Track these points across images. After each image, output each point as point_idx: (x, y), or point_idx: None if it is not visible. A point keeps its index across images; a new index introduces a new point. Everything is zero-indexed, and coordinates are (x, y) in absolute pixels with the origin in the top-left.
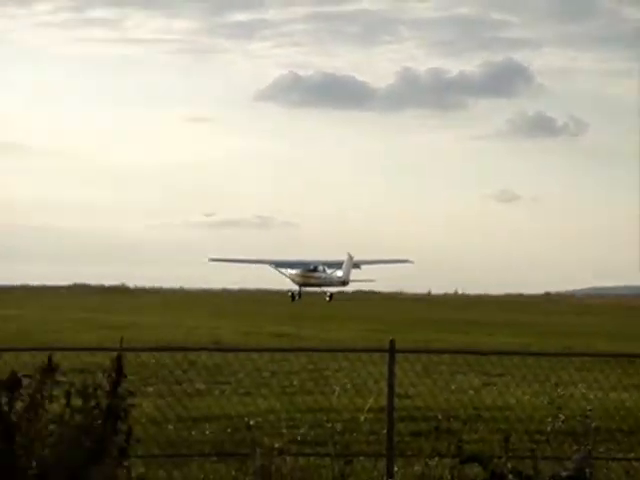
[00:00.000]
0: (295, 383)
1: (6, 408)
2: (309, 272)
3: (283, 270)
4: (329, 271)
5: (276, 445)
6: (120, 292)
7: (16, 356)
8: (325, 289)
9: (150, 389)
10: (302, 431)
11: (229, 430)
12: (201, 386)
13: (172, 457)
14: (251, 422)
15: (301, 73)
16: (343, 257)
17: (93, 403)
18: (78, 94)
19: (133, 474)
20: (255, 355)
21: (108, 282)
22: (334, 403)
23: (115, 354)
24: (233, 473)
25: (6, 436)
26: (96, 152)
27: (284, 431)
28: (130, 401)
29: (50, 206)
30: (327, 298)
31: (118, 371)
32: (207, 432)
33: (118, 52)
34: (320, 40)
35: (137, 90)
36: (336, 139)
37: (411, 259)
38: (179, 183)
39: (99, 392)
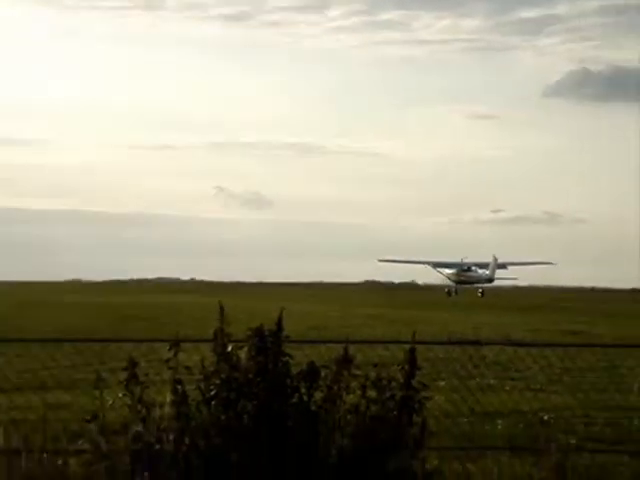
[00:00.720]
0: (589, 380)
1: (306, 398)
2: (463, 272)
3: (441, 270)
4: (480, 271)
5: (571, 442)
6: (409, 288)
7: (315, 348)
8: (476, 286)
9: (442, 383)
10: (597, 429)
11: (522, 425)
12: (492, 381)
13: (466, 450)
14: (544, 418)
15: (591, 68)
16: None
17: (388, 395)
18: (368, 95)
19: (427, 466)
20: (548, 351)
21: (397, 279)
22: (632, 401)
23: (408, 347)
24: (528, 468)
25: (307, 425)
26: (391, 151)
27: (579, 428)
28: (424, 394)
29: (348, 204)
30: (479, 294)
31: (412, 364)
32: (500, 426)
33: (407, 53)
34: (610, 33)
35: (425, 89)
36: (630, 134)
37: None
38: (466, 180)
39: (393, 384)
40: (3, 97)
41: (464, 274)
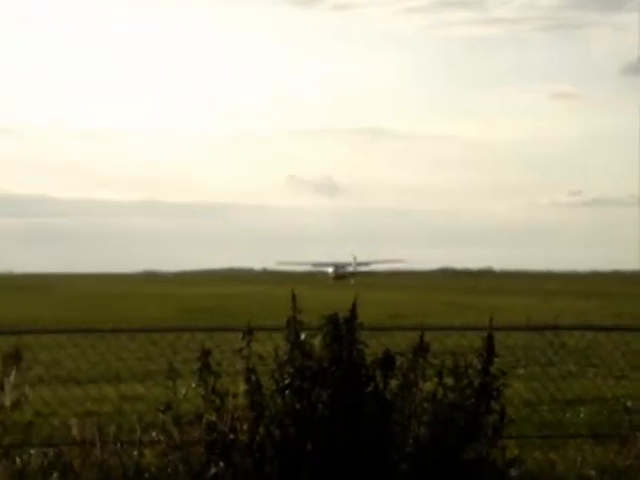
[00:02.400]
0: None
1: (381, 386)
2: (339, 269)
3: (323, 268)
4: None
5: None
6: (486, 275)
7: (390, 337)
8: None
9: (521, 371)
10: None
11: (604, 412)
12: (573, 368)
13: (547, 438)
14: (628, 404)
15: None
16: None
17: (465, 382)
18: (442, 77)
19: (507, 454)
20: (629, 336)
21: (475, 265)
22: None
23: (486, 335)
24: (612, 456)
25: (382, 413)
26: (466, 133)
27: None
28: (502, 381)
29: (423, 189)
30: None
31: (489, 350)
32: (581, 414)
33: (481, 32)
34: None
35: (500, 69)
36: None
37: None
38: (544, 161)
39: (471, 371)
40: (85, 89)
41: (339, 271)
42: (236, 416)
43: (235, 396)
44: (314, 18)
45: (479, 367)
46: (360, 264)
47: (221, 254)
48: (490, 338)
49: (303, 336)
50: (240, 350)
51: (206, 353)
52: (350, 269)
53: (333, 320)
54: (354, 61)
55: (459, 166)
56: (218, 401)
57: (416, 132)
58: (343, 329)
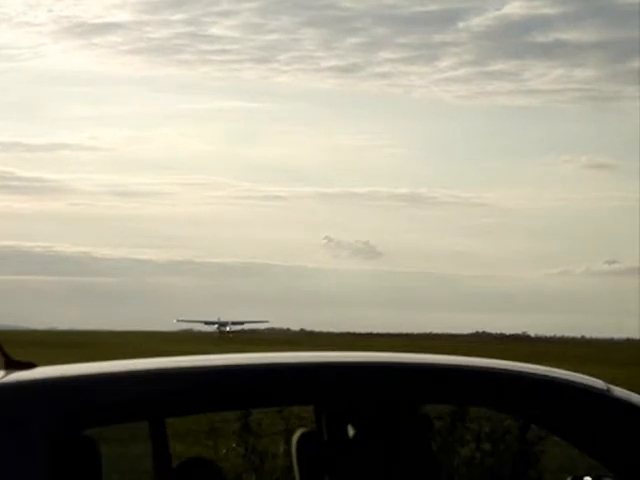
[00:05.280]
0: None
1: None
2: (221, 326)
3: (209, 325)
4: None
5: None
6: (521, 340)
7: None
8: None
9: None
10: None
11: None
12: None
13: None
14: None
15: None
16: None
17: (503, 447)
18: (479, 145)
19: None
20: None
21: (509, 330)
22: None
23: None
24: None
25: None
26: (501, 201)
27: None
28: (540, 447)
29: (458, 255)
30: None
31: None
32: None
33: (518, 103)
34: None
35: (537, 139)
36: None
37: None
38: (579, 231)
39: (508, 437)
40: (115, 149)
41: (220, 328)
42: (276, 477)
43: (275, 457)
44: (353, 86)
45: (516, 433)
46: (235, 323)
47: (258, 314)
48: None
49: None
50: (280, 411)
51: (246, 413)
52: (228, 328)
53: None
54: (391, 128)
55: (495, 233)
56: (258, 462)
57: (453, 199)
58: None
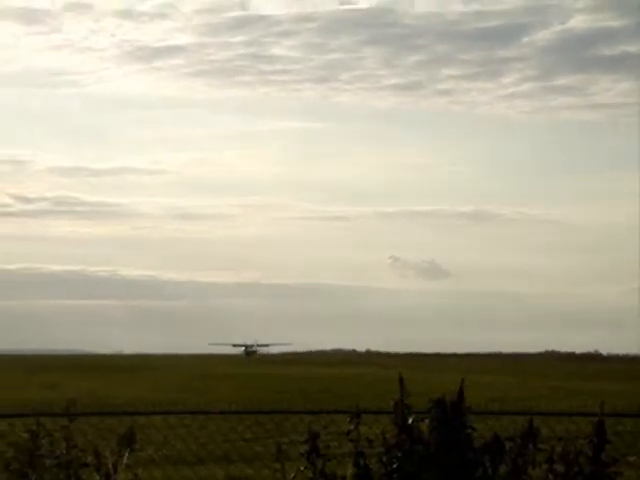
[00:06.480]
0: None
1: (490, 471)
2: (248, 347)
3: (238, 347)
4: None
5: None
6: (592, 359)
7: (497, 421)
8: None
9: (632, 458)
10: None
11: None
12: None
13: None
14: None
15: None
16: None
17: (576, 469)
18: (545, 161)
19: None
20: None
21: (579, 349)
22: None
23: (596, 420)
24: None
25: None
26: (569, 218)
27: None
28: (614, 469)
29: (527, 273)
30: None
31: (600, 437)
32: None
33: (583, 117)
34: None
35: (603, 154)
36: None
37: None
38: None
39: (581, 458)
40: (177, 172)
41: (248, 349)
42: None
43: (343, 479)
44: (416, 103)
45: (589, 454)
46: (260, 345)
47: (323, 335)
48: (601, 424)
49: (411, 419)
50: (348, 433)
51: (314, 436)
52: (254, 348)
53: (441, 403)
54: (456, 145)
55: (562, 250)
56: None
57: (518, 215)
58: (451, 412)
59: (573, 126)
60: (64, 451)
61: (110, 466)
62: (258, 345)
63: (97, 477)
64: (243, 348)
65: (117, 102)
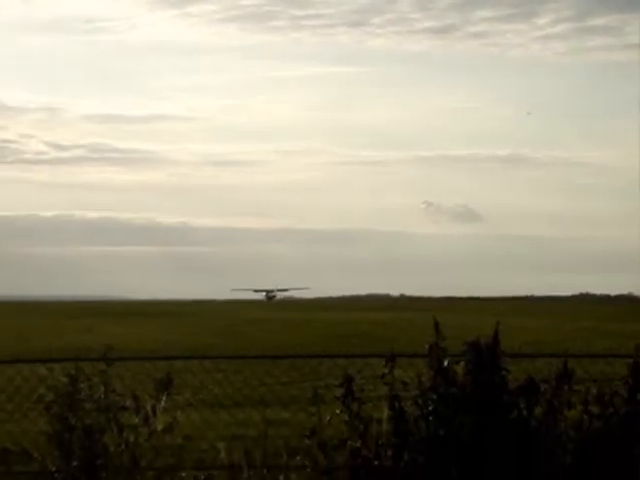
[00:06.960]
0: None
1: (525, 413)
2: (269, 292)
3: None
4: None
5: None
6: (627, 300)
7: (532, 363)
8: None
9: None
10: None
11: None
12: None
13: None
14: None
15: None
16: None
17: (611, 410)
18: (579, 103)
19: None
20: None
21: (614, 292)
22: None
23: (631, 362)
24: None
25: (527, 441)
26: (604, 160)
27: None
28: None
29: (560, 217)
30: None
31: (635, 378)
32: None
33: (618, 58)
34: None
35: (637, 96)
36: None
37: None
38: None
39: (616, 399)
40: (211, 119)
41: (269, 294)
42: (380, 442)
43: (379, 422)
44: (449, 47)
45: (625, 395)
46: (280, 290)
47: (357, 280)
48: (636, 365)
49: (446, 362)
50: (383, 376)
51: (349, 379)
52: (275, 293)
53: (476, 346)
54: (491, 88)
55: (596, 193)
56: (362, 427)
57: (553, 159)
58: (485, 355)
59: (608, 67)
60: (103, 395)
61: (149, 409)
62: (278, 290)
63: (136, 420)
64: (264, 293)
65: (150, 49)
